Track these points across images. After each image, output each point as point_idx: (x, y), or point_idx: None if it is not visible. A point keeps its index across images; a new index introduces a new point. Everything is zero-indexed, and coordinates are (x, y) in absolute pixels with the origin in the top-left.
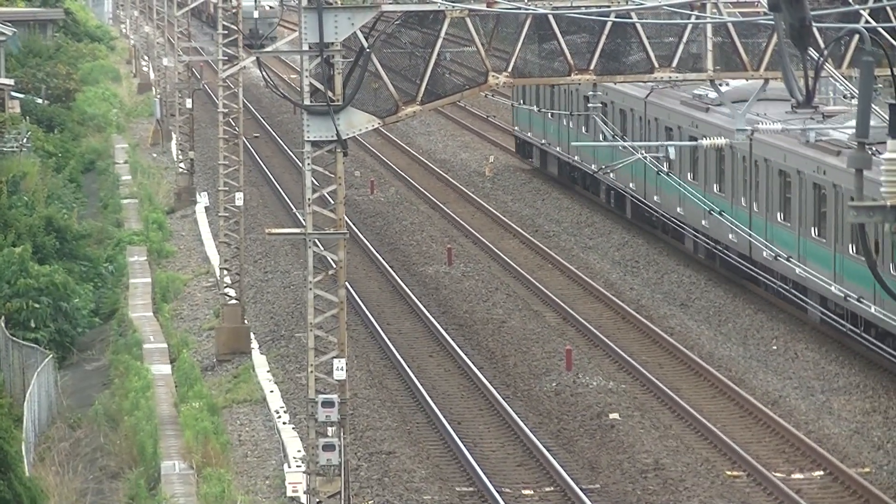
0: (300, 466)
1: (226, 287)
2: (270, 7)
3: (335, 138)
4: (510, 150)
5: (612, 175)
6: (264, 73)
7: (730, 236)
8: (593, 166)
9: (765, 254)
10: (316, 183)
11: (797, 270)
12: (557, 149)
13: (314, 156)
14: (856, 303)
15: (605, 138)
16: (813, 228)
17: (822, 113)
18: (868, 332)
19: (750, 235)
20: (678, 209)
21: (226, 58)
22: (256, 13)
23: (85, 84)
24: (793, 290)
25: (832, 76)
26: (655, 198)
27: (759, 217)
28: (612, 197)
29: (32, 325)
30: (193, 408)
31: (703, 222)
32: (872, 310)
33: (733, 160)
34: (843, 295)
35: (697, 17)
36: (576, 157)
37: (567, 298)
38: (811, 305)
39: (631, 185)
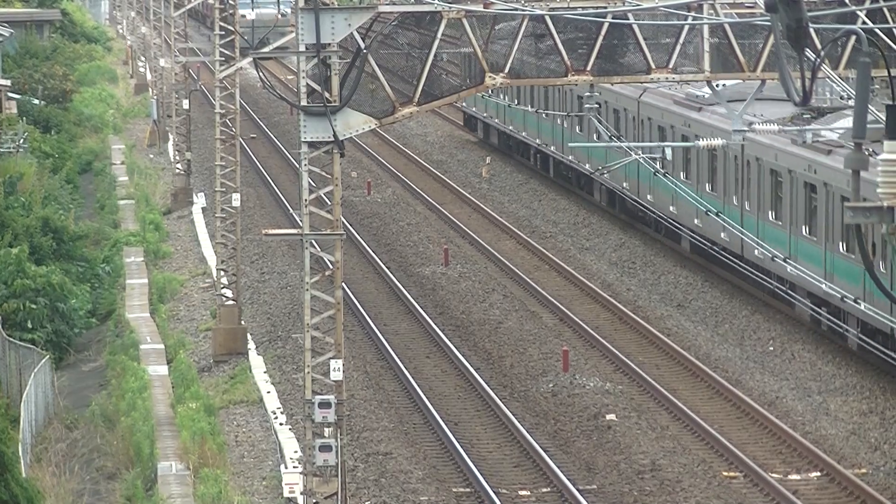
0: (297, 467)
1: (222, 288)
2: (282, 15)
3: (332, 139)
4: (458, 124)
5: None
6: (261, 73)
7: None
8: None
9: (756, 252)
10: (312, 184)
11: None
12: (496, 120)
13: (311, 157)
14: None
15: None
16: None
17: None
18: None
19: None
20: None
21: (222, 59)
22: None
23: (82, 85)
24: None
25: (829, 77)
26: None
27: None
28: (543, 162)
29: (29, 325)
30: (190, 408)
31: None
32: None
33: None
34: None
35: (694, 18)
36: (511, 128)
37: (564, 299)
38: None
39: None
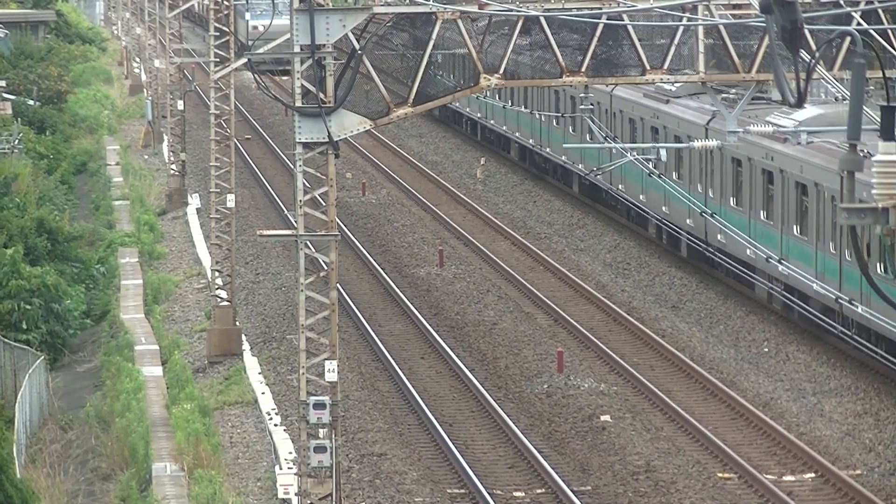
0: (291, 468)
1: (217, 289)
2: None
3: (327, 140)
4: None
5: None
6: (256, 74)
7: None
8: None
9: (720, 237)
10: (307, 185)
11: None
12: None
13: (306, 157)
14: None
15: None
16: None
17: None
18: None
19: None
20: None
21: (217, 59)
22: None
23: (77, 86)
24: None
25: (824, 78)
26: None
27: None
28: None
29: (24, 326)
30: (185, 409)
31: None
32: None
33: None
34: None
35: (689, 19)
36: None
37: (558, 300)
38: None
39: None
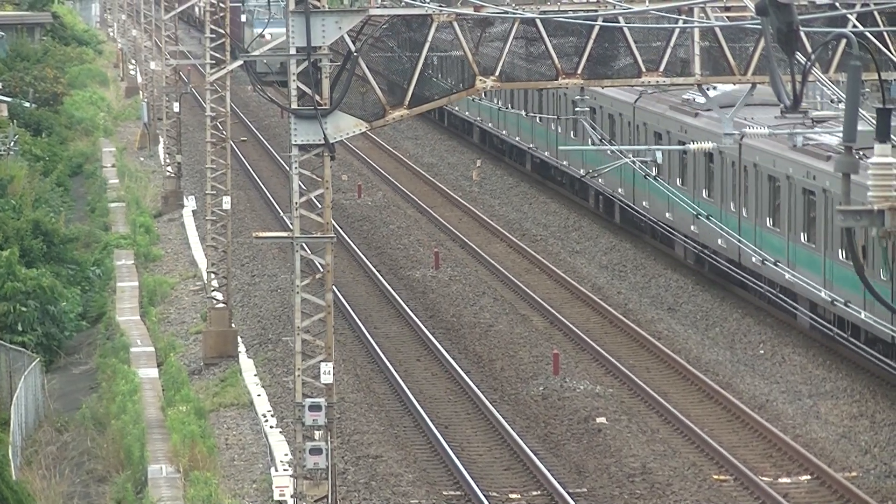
0: (287, 470)
1: (213, 291)
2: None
3: (322, 142)
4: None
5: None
6: (252, 76)
7: (644, 203)
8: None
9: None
10: (303, 187)
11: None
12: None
13: (301, 159)
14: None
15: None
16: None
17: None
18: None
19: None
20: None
21: (213, 61)
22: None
23: (72, 88)
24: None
25: (820, 81)
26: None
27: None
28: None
29: (20, 328)
30: (180, 411)
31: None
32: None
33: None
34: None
35: (685, 22)
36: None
37: (554, 302)
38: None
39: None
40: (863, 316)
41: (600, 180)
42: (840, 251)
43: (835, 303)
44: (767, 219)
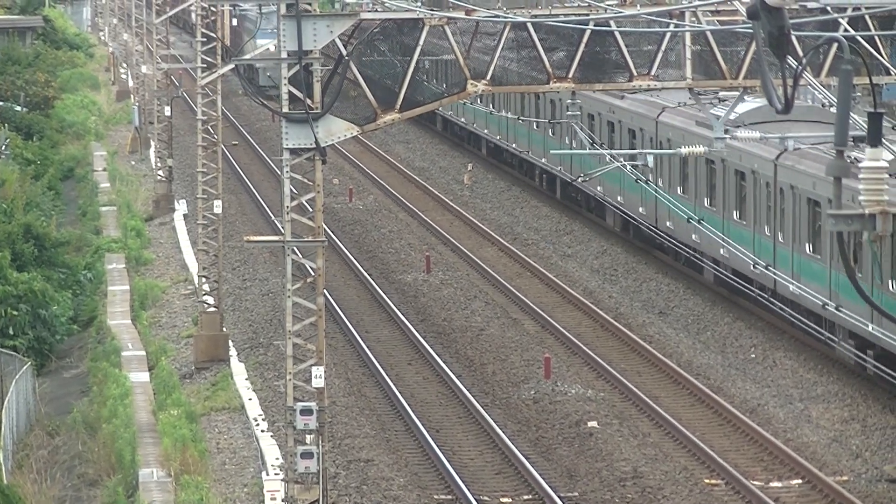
0: (278, 474)
1: (204, 295)
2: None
3: (314, 146)
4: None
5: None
6: (243, 80)
7: (753, 269)
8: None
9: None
10: (294, 191)
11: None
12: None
13: (293, 163)
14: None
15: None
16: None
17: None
18: None
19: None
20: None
21: (204, 65)
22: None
23: (64, 91)
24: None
25: (811, 85)
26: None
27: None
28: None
29: (11, 332)
30: (172, 415)
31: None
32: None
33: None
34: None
35: (676, 26)
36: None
37: (546, 306)
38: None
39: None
40: None
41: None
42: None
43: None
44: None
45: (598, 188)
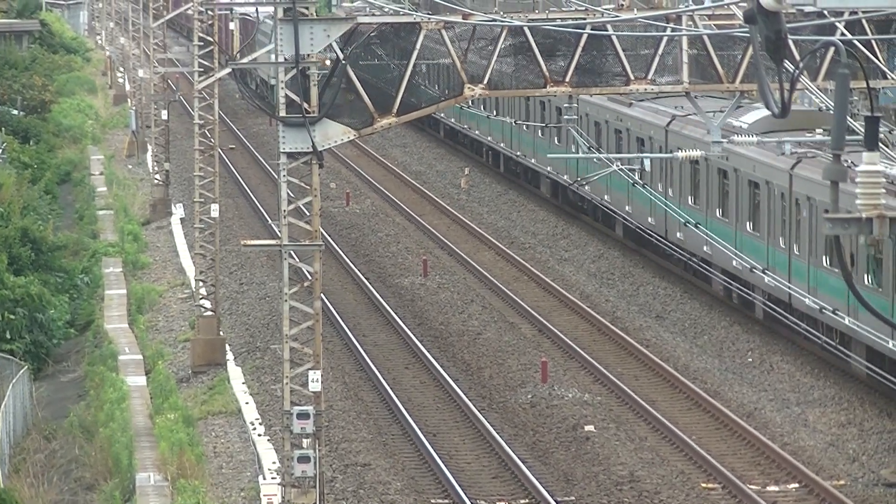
0: (275, 478)
1: (201, 298)
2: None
3: (311, 150)
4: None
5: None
6: (240, 84)
7: (679, 235)
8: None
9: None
10: (291, 195)
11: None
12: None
13: (290, 167)
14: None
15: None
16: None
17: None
18: None
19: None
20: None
21: (201, 69)
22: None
23: (61, 95)
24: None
25: (808, 88)
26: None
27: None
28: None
29: (8, 336)
30: (168, 419)
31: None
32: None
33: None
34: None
35: (673, 30)
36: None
37: (542, 310)
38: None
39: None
40: None
41: (628, 208)
42: None
43: None
44: (824, 257)
45: (606, 197)
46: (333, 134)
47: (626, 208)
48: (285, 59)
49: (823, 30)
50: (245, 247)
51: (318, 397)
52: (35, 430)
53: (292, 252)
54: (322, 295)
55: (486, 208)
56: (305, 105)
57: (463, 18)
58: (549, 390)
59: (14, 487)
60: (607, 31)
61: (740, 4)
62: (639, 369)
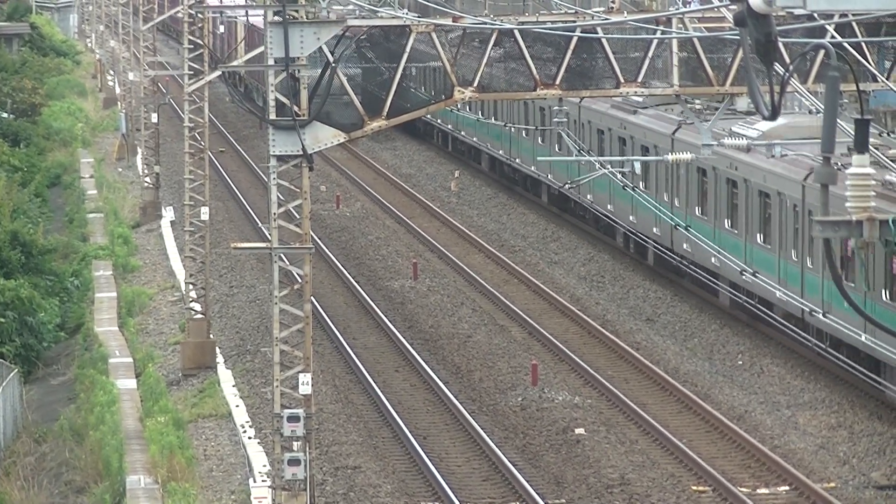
0: (266, 481)
1: (191, 301)
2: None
3: (301, 153)
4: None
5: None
6: (230, 87)
7: (610, 207)
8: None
9: (686, 246)
10: (281, 197)
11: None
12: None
13: (280, 170)
14: None
15: None
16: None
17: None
18: None
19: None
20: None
21: (191, 72)
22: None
23: (51, 98)
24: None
25: (798, 91)
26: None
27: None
28: None
29: None
30: (159, 422)
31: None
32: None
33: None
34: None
35: (663, 33)
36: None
37: (533, 313)
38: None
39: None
40: None
41: (632, 218)
42: None
43: None
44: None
45: (609, 207)
46: (323, 137)
47: (631, 219)
48: (275, 61)
49: (813, 32)
50: (235, 250)
51: (309, 400)
52: (25, 433)
53: (282, 255)
54: (312, 298)
55: (476, 211)
56: (295, 108)
57: (453, 21)
58: (540, 393)
59: (4, 490)
60: (597, 33)
61: (730, 7)
62: (629, 372)
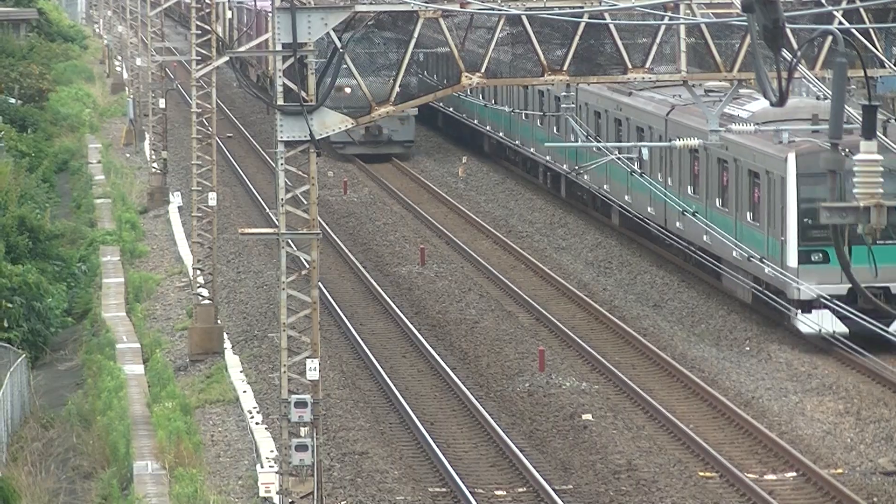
0: (273, 467)
1: (199, 287)
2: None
3: (308, 138)
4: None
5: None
6: (237, 73)
7: (705, 238)
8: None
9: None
10: (289, 183)
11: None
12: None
13: (287, 156)
14: None
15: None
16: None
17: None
18: None
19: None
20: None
21: (199, 58)
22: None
23: (58, 84)
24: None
25: (805, 77)
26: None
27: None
28: None
29: (5, 324)
30: (166, 408)
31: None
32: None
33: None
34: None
35: (671, 18)
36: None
37: (540, 299)
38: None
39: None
40: None
41: (650, 210)
42: None
43: None
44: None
45: (626, 198)
46: (331, 122)
47: (649, 210)
48: (283, 46)
49: (821, 18)
50: (243, 235)
51: (316, 386)
52: (33, 419)
53: (290, 241)
54: (320, 283)
55: (483, 197)
56: (303, 94)
57: (461, 6)
58: (547, 379)
59: (12, 476)
60: (605, 19)
61: None
62: (636, 358)
